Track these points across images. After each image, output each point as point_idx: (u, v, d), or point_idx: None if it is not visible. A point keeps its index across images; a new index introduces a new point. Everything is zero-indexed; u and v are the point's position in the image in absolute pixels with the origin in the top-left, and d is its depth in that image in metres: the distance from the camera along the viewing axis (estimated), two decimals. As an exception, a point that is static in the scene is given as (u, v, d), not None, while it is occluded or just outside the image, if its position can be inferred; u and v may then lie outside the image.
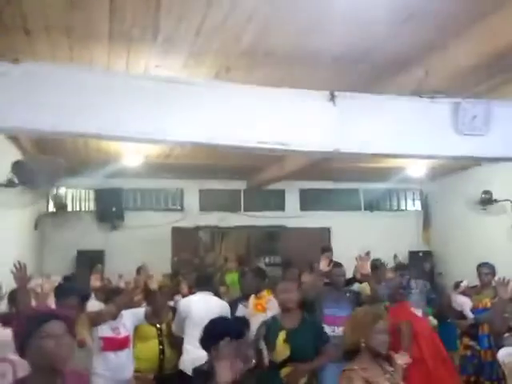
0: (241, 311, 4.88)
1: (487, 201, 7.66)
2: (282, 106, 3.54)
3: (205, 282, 5.09)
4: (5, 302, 4.76)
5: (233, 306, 4.97)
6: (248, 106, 3.42)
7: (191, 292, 5.42)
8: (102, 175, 8.26)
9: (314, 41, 3.47)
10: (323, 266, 4.57)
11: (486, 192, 7.70)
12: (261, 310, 4.82)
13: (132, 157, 7.18)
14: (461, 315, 5.69)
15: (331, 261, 4.89)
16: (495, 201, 7.64)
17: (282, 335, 3.71)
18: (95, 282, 4.21)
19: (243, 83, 3.56)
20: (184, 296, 5.25)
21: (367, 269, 4.73)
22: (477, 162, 5.76)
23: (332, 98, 3.56)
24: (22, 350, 2.09)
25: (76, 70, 3.36)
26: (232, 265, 8.16)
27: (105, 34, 3.41)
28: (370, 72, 3.94)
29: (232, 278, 7.40)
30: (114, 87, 3.24)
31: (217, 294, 5.25)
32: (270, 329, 3.80)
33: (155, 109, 3.26)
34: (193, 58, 3.75)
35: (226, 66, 3.87)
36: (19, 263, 3.46)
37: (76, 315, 3.57)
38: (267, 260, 10.86)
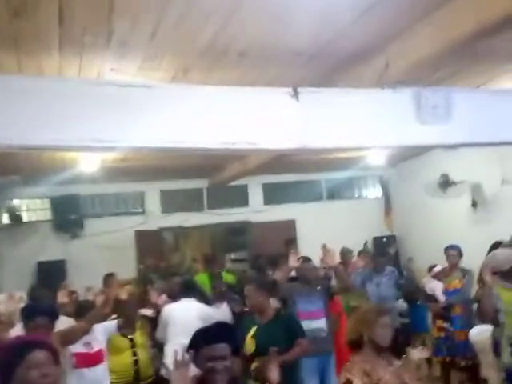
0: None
1: (445, 183, 7.85)
2: (244, 105, 3.47)
3: (187, 289, 5.08)
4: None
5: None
6: (209, 107, 3.33)
7: (161, 299, 5.34)
8: (57, 183, 7.97)
9: (273, 37, 3.41)
10: (292, 261, 4.58)
11: (444, 175, 7.90)
12: None
13: (87, 162, 6.94)
14: (432, 298, 5.83)
15: (300, 256, 4.90)
16: (453, 183, 7.83)
17: (252, 331, 3.86)
18: (63, 298, 4.06)
19: (202, 84, 3.47)
20: (153, 305, 5.14)
21: (334, 260, 4.76)
22: (440, 149, 5.87)
23: (295, 94, 3.51)
24: (4, 380, 2.02)
25: (23, 78, 3.19)
26: (199, 266, 8.06)
27: (54, 42, 3.23)
28: (332, 66, 3.91)
29: (202, 279, 7.31)
30: (66, 94, 3.09)
31: (203, 297, 5.20)
32: (246, 324, 3.99)
33: (111, 115, 3.12)
34: (149, 60, 3.62)
35: (183, 67, 3.75)
36: None
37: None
38: (234, 256, 10.86)
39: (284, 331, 3.81)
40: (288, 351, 3.75)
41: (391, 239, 9.89)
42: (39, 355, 2.01)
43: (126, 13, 2.90)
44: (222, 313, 5.00)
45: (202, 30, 3.17)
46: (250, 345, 3.80)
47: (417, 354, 2.92)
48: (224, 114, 3.39)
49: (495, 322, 3.96)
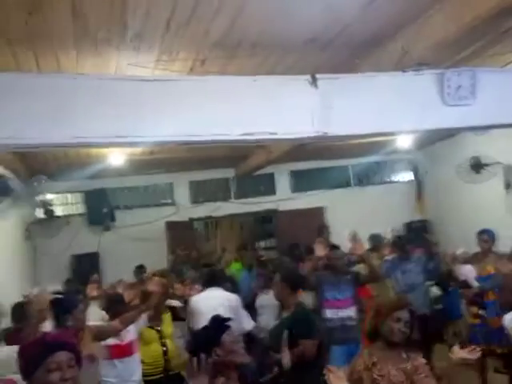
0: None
1: (477, 166, 7.61)
2: (263, 94, 3.42)
3: (213, 278, 5.12)
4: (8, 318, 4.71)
5: None
6: (228, 98, 3.30)
7: (194, 288, 5.40)
8: (87, 177, 8.11)
9: (287, 25, 3.35)
10: (319, 251, 4.54)
11: (474, 157, 7.66)
12: None
13: (115, 156, 7.06)
14: (465, 284, 5.68)
15: (328, 244, 4.86)
16: (485, 165, 7.59)
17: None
18: (92, 291, 4.14)
19: (220, 74, 3.45)
20: (180, 296, 5.19)
21: (362, 248, 4.70)
22: (468, 131, 5.68)
23: (313, 81, 3.44)
24: (26, 378, 2.03)
25: (42, 76, 3.23)
26: (230, 255, 8.11)
27: (69, 38, 3.26)
28: (350, 51, 3.82)
29: (236, 268, 7.37)
30: (86, 91, 3.10)
31: (232, 286, 5.25)
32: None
33: (131, 110, 3.12)
34: (165, 53, 3.61)
35: (200, 58, 3.73)
36: None
37: (80, 329, 3.52)
38: (263, 244, 10.89)
39: (293, 329, 3.63)
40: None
41: (423, 224, 9.69)
42: (61, 357, 1.99)
43: (138, 6, 2.89)
44: (270, 299, 5.00)
45: (214, 20, 3.13)
46: None
47: (463, 353, 2.74)
48: (242, 103, 3.36)
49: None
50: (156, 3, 2.88)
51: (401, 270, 5.80)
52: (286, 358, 3.27)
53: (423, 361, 2.74)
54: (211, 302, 4.73)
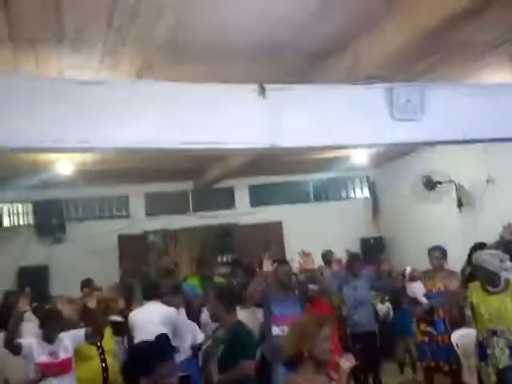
0: None
1: (430, 184, 7.70)
2: (209, 102, 3.31)
3: (151, 292, 4.92)
4: None
5: None
6: (171, 104, 3.18)
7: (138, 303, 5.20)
8: (37, 186, 7.82)
9: (235, 32, 3.26)
10: (266, 266, 4.42)
11: (427, 176, 7.76)
12: None
13: (63, 164, 6.79)
14: (414, 301, 5.67)
15: (275, 259, 4.76)
16: (438, 183, 7.69)
17: None
18: (23, 306, 3.91)
19: (168, 80, 3.32)
20: (121, 312, 4.99)
21: (311, 264, 4.63)
22: (414, 147, 5.71)
23: (262, 91, 3.36)
24: None
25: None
26: (188, 270, 7.89)
27: (4, 37, 3.07)
28: (299, 62, 3.77)
29: (193, 283, 7.15)
30: (22, 92, 2.93)
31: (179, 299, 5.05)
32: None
33: (68, 114, 2.97)
34: (109, 54, 3.46)
35: (146, 62, 3.60)
36: None
37: None
38: (222, 259, 10.71)
39: (230, 349, 3.45)
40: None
41: (379, 241, 9.75)
42: None
43: (74, 6, 2.74)
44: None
45: (156, 23, 3.02)
46: None
47: (345, 362, 2.67)
48: (188, 111, 3.25)
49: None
50: (93, 2, 2.74)
51: (350, 286, 5.77)
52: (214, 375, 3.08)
53: (336, 377, 2.62)
54: (147, 316, 4.58)
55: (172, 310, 4.69)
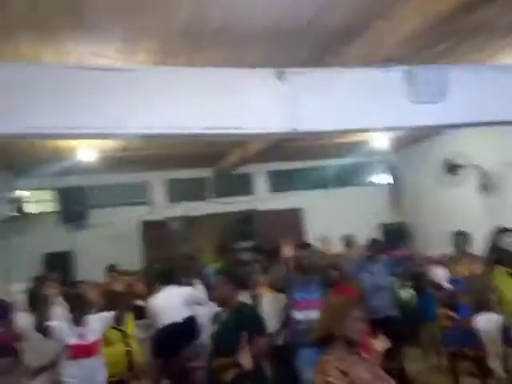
0: None
1: (451, 168, 7.60)
2: (228, 87, 3.32)
3: (168, 276, 5.01)
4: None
5: None
6: (191, 90, 3.19)
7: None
8: (61, 174, 7.97)
9: (252, 16, 3.25)
10: (286, 251, 4.44)
11: (448, 159, 7.64)
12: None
13: (85, 152, 6.89)
14: (438, 286, 5.64)
15: (298, 244, 4.77)
16: (459, 167, 7.58)
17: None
18: (50, 290, 4.02)
19: (186, 66, 3.34)
20: (143, 297, 5.07)
21: (330, 249, 4.64)
22: (434, 130, 5.63)
23: (280, 75, 3.36)
24: None
25: (1, 64, 3.10)
26: (209, 256, 7.99)
27: (26, 24, 3.12)
28: (317, 45, 3.74)
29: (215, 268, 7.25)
30: (46, 80, 2.99)
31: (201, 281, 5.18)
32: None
33: (94, 101, 3.01)
34: (127, 42, 3.49)
35: (164, 49, 3.62)
36: None
37: None
38: (242, 245, 10.79)
39: (239, 328, 3.45)
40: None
41: (400, 226, 9.68)
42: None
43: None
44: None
45: (177, 8, 3.02)
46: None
47: (379, 343, 2.69)
48: (207, 97, 3.25)
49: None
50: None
51: (369, 271, 5.75)
52: (246, 358, 3.13)
53: (367, 356, 2.65)
54: (167, 301, 4.64)
55: (190, 289, 4.78)
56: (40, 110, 2.95)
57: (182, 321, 3.76)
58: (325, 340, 2.56)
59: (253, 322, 3.57)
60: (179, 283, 4.90)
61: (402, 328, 5.83)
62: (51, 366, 4.15)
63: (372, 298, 5.69)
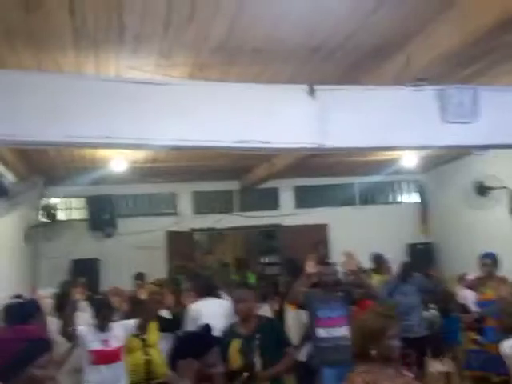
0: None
1: (482, 190, 7.49)
2: (260, 102, 3.38)
3: (210, 287, 5.18)
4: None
5: None
6: (222, 104, 3.26)
7: (189, 298, 5.35)
8: (91, 182, 8.13)
9: (287, 33, 3.31)
10: (309, 267, 4.41)
11: (479, 181, 7.54)
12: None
13: (118, 162, 7.05)
14: (464, 309, 5.54)
15: (320, 260, 4.75)
16: (490, 189, 7.47)
17: (235, 343, 3.60)
18: (77, 295, 4.10)
19: (219, 81, 3.42)
20: (169, 308, 5.12)
21: (353, 265, 4.59)
22: (465, 150, 5.57)
23: (311, 91, 3.40)
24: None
25: (41, 75, 3.23)
26: (230, 269, 8.05)
27: (69, 38, 3.26)
28: (351, 62, 3.77)
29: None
30: (83, 91, 3.09)
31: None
32: (224, 337, 3.66)
33: (129, 112, 3.10)
34: (164, 57, 3.59)
35: (199, 63, 3.71)
36: None
37: None
38: (265, 260, 10.79)
39: (270, 342, 3.55)
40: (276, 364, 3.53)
41: (427, 246, 9.54)
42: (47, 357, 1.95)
43: (134, 6, 2.88)
44: (265, 312, 5.02)
45: (212, 24, 3.11)
46: (236, 359, 3.55)
47: (437, 366, 2.66)
48: (238, 111, 3.31)
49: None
50: (151, 4, 2.86)
51: (401, 291, 5.69)
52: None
53: (411, 375, 2.62)
54: (210, 309, 4.73)
55: (228, 301, 4.85)
56: (79, 119, 3.06)
57: (199, 329, 3.79)
58: (360, 357, 2.55)
59: (281, 333, 3.67)
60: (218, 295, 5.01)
61: (427, 348, 5.75)
62: (75, 371, 4.21)
63: (405, 319, 5.63)
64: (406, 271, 5.81)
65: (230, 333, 3.74)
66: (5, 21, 3.05)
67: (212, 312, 4.62)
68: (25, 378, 1.87)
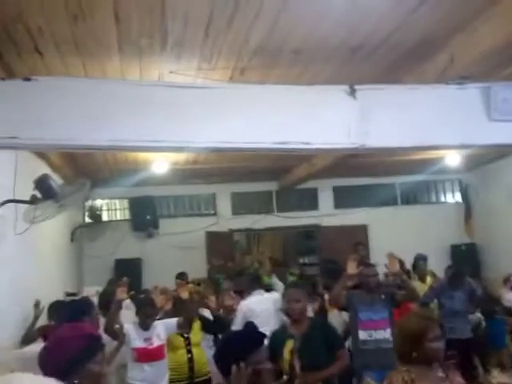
0: None
1: (528, 188, 7.24)
2: (300, 103, 3.39)
3: (256, 282, 5.25)
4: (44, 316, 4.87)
5: None
6: (263, 106, 3.29)
7: (231, 298, 5.40)
8: (134, 184, 8.33)
9: (328, 33, 3.30)
10: (350, 268, 4.36)
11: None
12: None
13: (159, 164, 7.21)
14: (510, 312, 5.39)
15: (361, 261, 4.69)
16: (538, 188, 7.21)
17: (289, 344, 3.48)
18: (120, 294, 4.20)
19: (260, 83, 3.45)
20: (212, 309, 5.16)
21: (396, 266, 4.51)
22: (510, 149, 5.40)
23: (352, 91, 3.38)
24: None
25: (89, 81, 3.34)
26: (265, 269, 8.05)
27: (114, 45, 3.36)
28: (392, 61, 3.73)
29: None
30: (128, 96, 3.18)
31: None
32: (277, 338, 3.57)
33: (171, 116, 3.18)
34: (205, 61, 3.66)
35: (239, 67, 3.75)
36: None
37: None
38: (304, 260, 10.75)
39: (323, 343, 3.47)
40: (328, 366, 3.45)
41: (471, 247, 9.29)
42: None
43: (177, 12, 2.94)
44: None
45: (252, 28, 3.14)
46: (288, 360, 3.42)
47: (499, 376, 2.58)
48: (278, 112, 3.34)
49: None
50: (193, 10, 2.92)
51: (449, 295, 5.59)
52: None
53: (461, 381, 2.57)
54: (263, 305, 4.80)
55: (276, 294, 4.89)
56: (122, 124, 3.15)
57: (245, 327, 3.81)
58: (402, 359, 2.54)
59: (334, 334, 3.61)
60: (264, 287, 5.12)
61: (473, 352, 5.62)
62: (121, 367, 4.31)
63: (449, 322, 5.52)
64: (457, 278, 5.70)
65: (283, 334, 3.64)
66: (56, 33, 3.17)
67: (264, 308, 4.70)
68: (85, 373, 1.94)
